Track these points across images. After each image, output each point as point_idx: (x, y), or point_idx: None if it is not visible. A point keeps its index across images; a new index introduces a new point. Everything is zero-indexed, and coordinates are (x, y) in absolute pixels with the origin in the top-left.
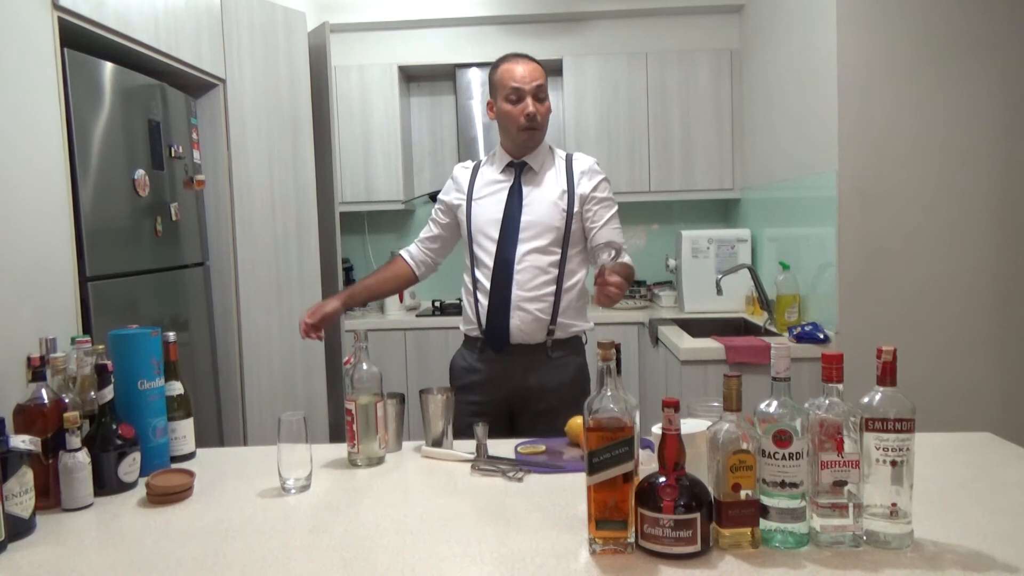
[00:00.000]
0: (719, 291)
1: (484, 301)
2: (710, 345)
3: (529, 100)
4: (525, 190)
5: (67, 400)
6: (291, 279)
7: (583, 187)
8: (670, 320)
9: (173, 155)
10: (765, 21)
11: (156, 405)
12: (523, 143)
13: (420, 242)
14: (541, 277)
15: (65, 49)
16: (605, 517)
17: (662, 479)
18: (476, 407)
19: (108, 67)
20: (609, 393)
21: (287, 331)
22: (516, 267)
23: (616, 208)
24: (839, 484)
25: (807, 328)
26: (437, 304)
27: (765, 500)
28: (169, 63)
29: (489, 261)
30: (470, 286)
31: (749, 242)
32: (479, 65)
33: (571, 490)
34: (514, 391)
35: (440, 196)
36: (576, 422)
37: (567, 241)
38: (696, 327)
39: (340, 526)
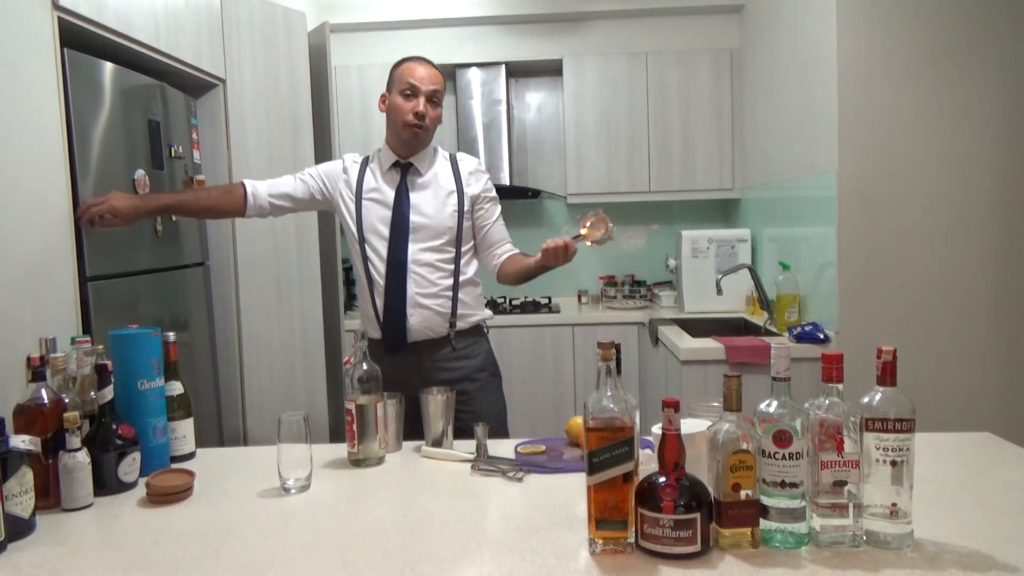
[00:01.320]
0: (719, 291)
1: (380, 302)
2: (710, 345)
3: (422, 99)
4: (412, 191)
5: (67, 400)
6: (291, 279)
7: (472, 188)
8: (670, 320)
9: (173, 155)
10: (765, 21)
11: (156, 405)
12: (406, 141)
13: (271, 188)
14: (437, 274)
15: (65, 49)
16: (605, 517)
17: (662, 479)
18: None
19: (108, 67)
20: (609, 393)
21: (287, 331)
22: (411, 267)
23: (500, 206)
24: (839, 484)
25: (807, 328)
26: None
27: (765, 500)
28: (169, 63)
29: (380, 263)
30: (366, 285)
31: (749, 242)
32: (479, 65)
33: (571, 490)
34: (416, 389)
35: (321, 168)
36: (576, 422)
37: (460, 239)
38: (696, 327)
39: (340, 526)
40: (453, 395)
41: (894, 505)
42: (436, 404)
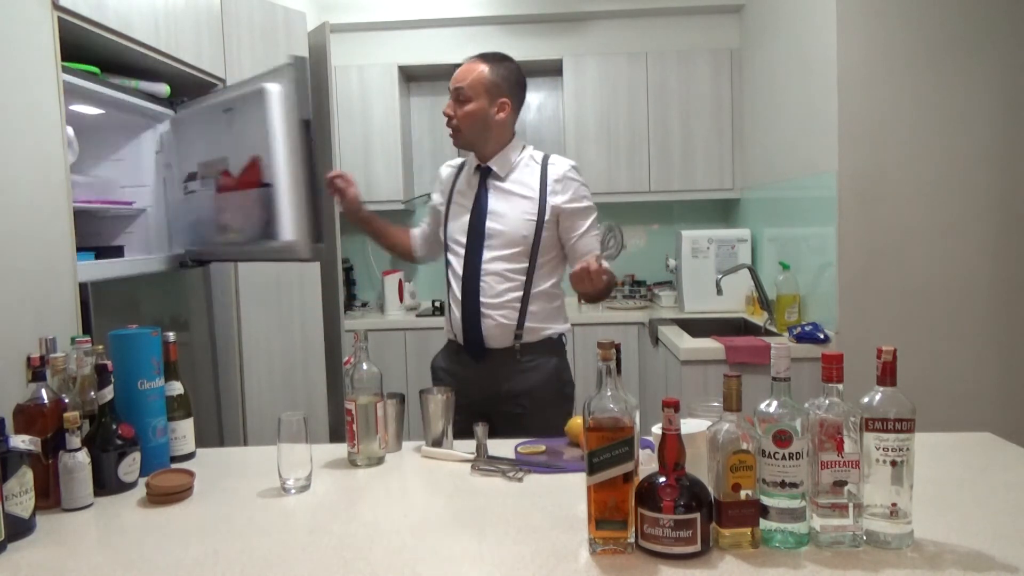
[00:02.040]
0: (719, 291)
1: (457, 311)
2: (710, 345)
3: (450, 101)
4: (491, 197)
5: (67, 400)
6: (291, 279)
7: (557, 198)
8: (670, 320)
9: None
10: (765, 21)
11: (156, 405)
12: (453, 143)
13: (423, 228)
14: (505, 284)
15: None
16: (605, 517)
17: (662, 479)
18: (472, 404)
19: None
20: (609, 393)
21: (287, 331)
22: (481, 276)
23: (595, 214)
24: (839, 484)
25: (807, 328)
26: (437, 304)
27: (765, 500)
28: (169, 63)
29: (460, 269)
30: (448, 292)
31: (749, 242)
32: None
33: (571, 490)
34: (486, 395)
35: (432, 195)
36: (576, 422)
37: (536, 250)
38: (696, 327)
39: (340, 526)
40: (453, 395)
41: (894, 505)
42: (436, 404)
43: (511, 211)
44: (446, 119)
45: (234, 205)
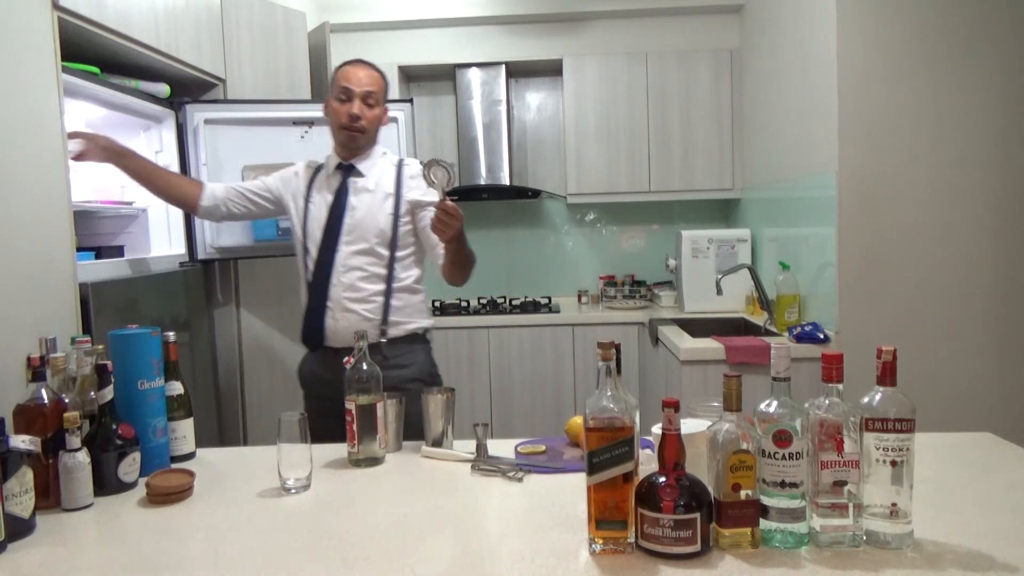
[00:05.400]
0: (719, 291)
1: (306, 304)
2: (710, 345)
3: (356, 102)
4: (351, 193)
5: (67, 400)
6: (291, 278)
7: (412, 193)
8: (670, 320)
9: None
10: (765, 21)
11: (156, 405)
12: (343, 143)
13: (234, 187)
14: (367, 279)
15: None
16: (605, 517)
17: (662, 479)
18: (324, 403)
19: None
20: (609, 393)
21: (287, 331)
22: (338, 270)
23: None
24: (839, 484)
25: (807, 328)
26: (437, 304)
27: (765, 500)
28: (169, 63)
29: (311, 264)
30: (303, 290)
31: (749, 242)
32: (479, 65)
33: (571, 490)
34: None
35: (277, 173)
36: (576, 422)
37: (395, 243)
38: (696, 327)
39: (340, 526)
40: (454, 395)
41: (894, 505)
42: (436, 404)
43: (370, 206)
44: (349, 120)
45: None
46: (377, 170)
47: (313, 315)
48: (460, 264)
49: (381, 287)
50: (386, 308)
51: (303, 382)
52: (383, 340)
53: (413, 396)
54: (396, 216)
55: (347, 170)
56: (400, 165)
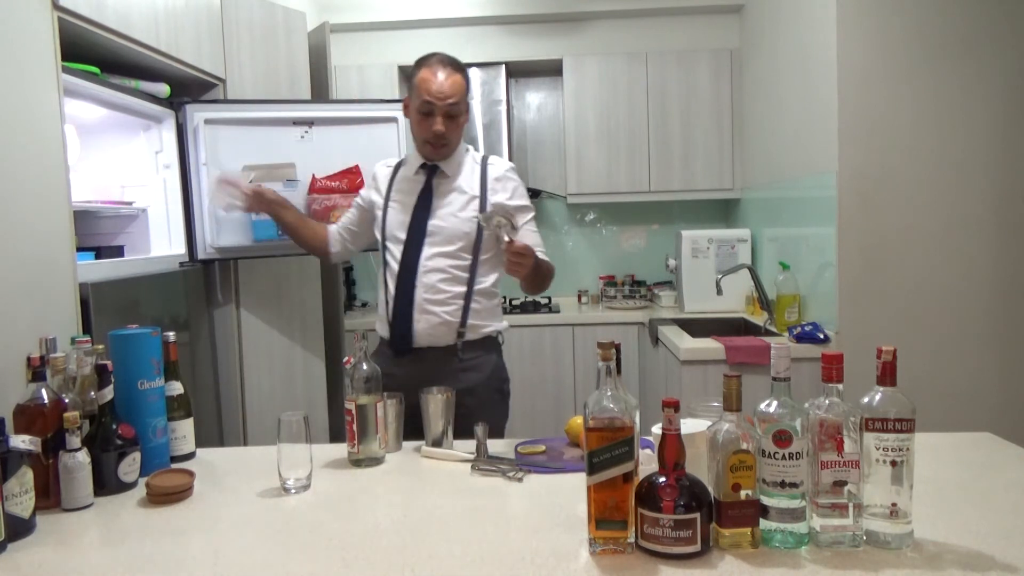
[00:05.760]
0: (719, 291)
1: (392, 305)
2: (710, 345)
3: (439, 119)
4: (436, 195)
5: (67, 400)
6: (291, 279)
7: (497, 196)
8: (670, 320)
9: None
10: (765, 21)
11: (156, 405)
12: (427, 155)
13: (342, 228)
14: (448, 281)
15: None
16: (605, 517)
17: (662, 479)
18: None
19: None
20: (609, 393)
21: (287, 331)
22: (421, 271)
23: (532, 214)
24: (839, 484)
25: (807, 328)
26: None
27: (765, 500)
28: (169, 63)
29: (395, 266)
30: (382, 288)
31: (749, 242)
32: (479, 65)
33: (571, 490)
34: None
35: (361, 191)
36: (576, 422)
37: (477, 247)
38: (696, 327)
39: (340, 526)
40: (453, 395)
41: (894, 505)
42: (436, 404)
43: (453, 208)
44: (434, 136)
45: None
46: (462, 170)
47: (401, 319)
48: (537, 283)
49: (462, 289)
50: (465, 311)
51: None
52: (459, 342)
53: (482, 399)
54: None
55: (431, 171)
56: (484, 163)
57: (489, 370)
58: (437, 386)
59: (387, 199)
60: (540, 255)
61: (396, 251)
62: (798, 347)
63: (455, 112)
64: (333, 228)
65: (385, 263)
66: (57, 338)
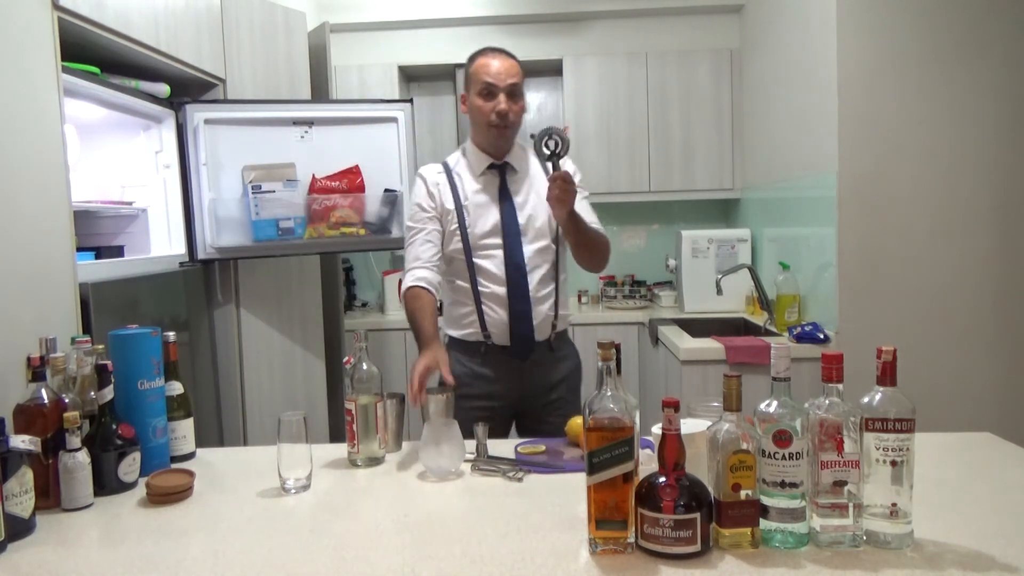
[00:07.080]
0: (719, 291)
1: (497, 312)
2: (710, 345)
3: (502, 97)
4: (513, 191)
5: (67, 400)
6: (291, 279)
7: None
8: (670, 320)
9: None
10: (765, 21)
11: (156, 405)
12: (493, 140)
13: (430, 264)
14: (548, 274)
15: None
16: (605, 517)
17: (662, 479)
18: (482, 412)
19: None
20: (609, 393)
21: (287, 331)
22: (528, 268)
23: (588, 192)
24: (839, 484)
25: (807, 328)
26: (438, 304)
27: (765, 500)
28: (169, 63)
29: (495, 269)
30: (472, 297)
31: (749, 242)
32: None
33: (571, 490)
34: (525, 391)
35: (421, 204)
36: (576, 422)
37: (559, 237)
38: (696, 327)
39: (340, 526)
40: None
41: (894, 505)
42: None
43: (536, 201)
44: (497, 118)
45: (354, 205)
46: (527, 163)
47: (521, 321)
48: (589, 245)
49: (554, 282)
50: (557, 302)
51: (473, 390)
52: (552, 334)
53: (571, 389)
54: None
55: (501, 168)
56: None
57: (573, 362)
58: (538, 383)
59: (458, 205)
60: (593, 225)
61: (494, 253)
62: (798, 347)
63: (516, 93)
64: (431, 281)
65: (472, 269)
66: (57, 338)
